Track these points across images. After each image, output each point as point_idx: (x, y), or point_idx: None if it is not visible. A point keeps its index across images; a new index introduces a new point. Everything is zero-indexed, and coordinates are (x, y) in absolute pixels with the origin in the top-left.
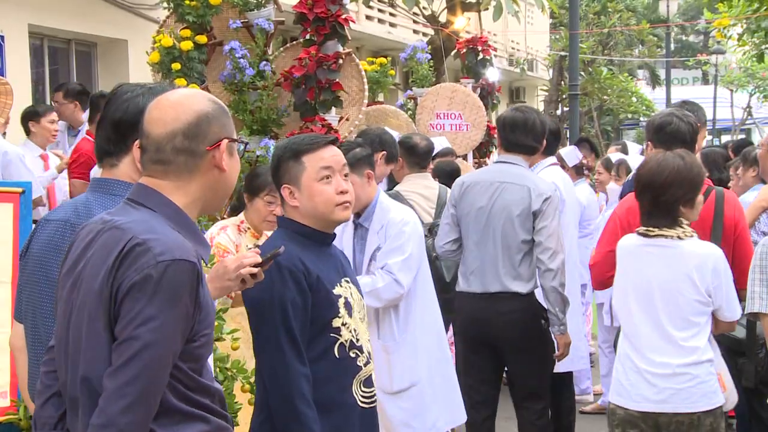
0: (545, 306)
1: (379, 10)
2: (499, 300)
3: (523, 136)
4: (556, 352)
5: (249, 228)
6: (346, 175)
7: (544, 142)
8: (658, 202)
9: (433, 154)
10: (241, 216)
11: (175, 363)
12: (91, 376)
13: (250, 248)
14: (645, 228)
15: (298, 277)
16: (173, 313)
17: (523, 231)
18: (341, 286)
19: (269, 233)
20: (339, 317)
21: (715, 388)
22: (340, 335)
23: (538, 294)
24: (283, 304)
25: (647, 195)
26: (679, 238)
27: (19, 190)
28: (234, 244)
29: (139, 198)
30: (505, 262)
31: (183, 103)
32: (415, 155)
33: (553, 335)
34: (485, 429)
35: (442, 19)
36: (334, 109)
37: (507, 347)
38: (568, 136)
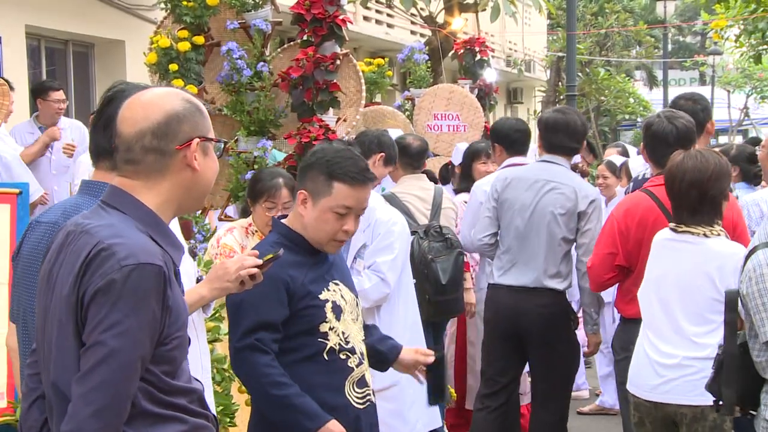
0: (574, 307)
1: (377, 11)
2: (537, 294)
3: (565, 138)
4: (585, 348)
5: (257, 231)
6: (359, 215)
7: (584, 143)
8: (706, 198)
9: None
10: (250, 219)
11: (146, 367)
12: (60, 382)
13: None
14: (675, 224)
15: (278, 285)
16: (139, 318)
17: (567, 230)
18: (328, 290)
19: None
20: (326, 322)
21: None
22: (328, 340)
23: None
24: (255, 311)
25: (693, 192)
26: (705, 235)
27: (16, 191)
28: (240, 246)
29: (110, 200)
30: (548, 259)
31: (154, 102)
32: (408, 156)
33: (585, 334)
34: (497, 414)
35: (440, 20)
36: (331, 109)
37: (536, 341)
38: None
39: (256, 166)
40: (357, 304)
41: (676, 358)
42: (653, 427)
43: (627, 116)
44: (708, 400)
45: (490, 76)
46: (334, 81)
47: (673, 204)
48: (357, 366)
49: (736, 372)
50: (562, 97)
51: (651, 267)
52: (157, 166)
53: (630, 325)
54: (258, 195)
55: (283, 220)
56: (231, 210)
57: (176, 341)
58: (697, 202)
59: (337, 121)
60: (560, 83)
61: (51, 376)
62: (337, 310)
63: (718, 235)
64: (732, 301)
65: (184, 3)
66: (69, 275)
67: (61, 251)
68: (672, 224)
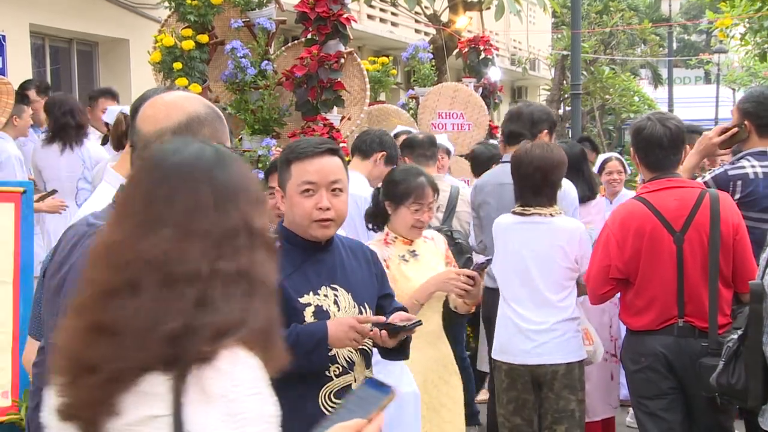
0: None
1: (381, 10)
2: None
3: (513, 125)
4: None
5: (397, 237)
6: (336, 190)
7: (540, 128)
8: (547, 182)
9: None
10: (385, 230)
11: None
12: None
13: (402, 256)
14: (522, 207)
15: None
16: None
17: None
18: (316, 293)
19: (418, 240)
20: None
21: (581, 343)
22: None
23: None
24: None
25: (537, 176)
26: (551, 215)
27: (21, 189)
28: (383, 261)
29: None
30: None
31: (177, 103)
32: (418, 146)
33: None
34: None
35: (444, 18)
36: (335, 108)
37: None
38: (570, 135)
39: (260, 165)
40: (361, 312)
41: (546, 324)
42: (523, 389)
43: (632, 115)
44: (575, 357)
45: (494, 74)
46: (339, 79)
47: (518, 186)
48: (339, 376)
49: (761, 364)
50: (566, 95)
51: (501, 247)
52: None
53: (637, 337)
54: (403, 197)
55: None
56: None
57: None
58: (540, 185)
59: (341, 120)
60: (565, 82)
61: None
62: (321, 316)
63: (560, 213)
64: (756, 292)
65: (188, 2)
66: None
67: (72, 251)
68: (518, 207)
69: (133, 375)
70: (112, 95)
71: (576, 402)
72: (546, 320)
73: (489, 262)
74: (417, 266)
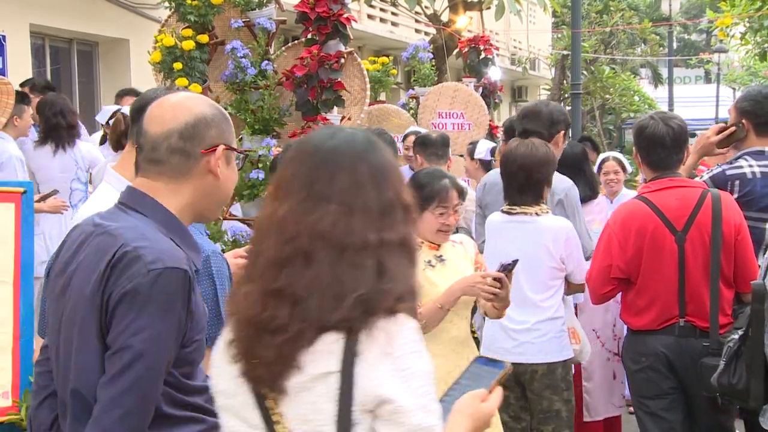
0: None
1: (381, 10)
2: None
3: (531, 124)
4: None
5: (423, 242)
6: None
7: (558, 129)
8: (531, 180)
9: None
10: None
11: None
12: (82, 388)
13: (428, 261)
14: (509, 206)
15: None
16: (166, 322)
17: None
18: None
19: (446, 244)
20: None
21: (565, 343)
22: None
23: None
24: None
25: (521, 174)
26: (537, 214)
27: (21, 189)
28: None
29: (130, 202)
30: None
31: (184, 104)
32: (431, 145)
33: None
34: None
35: (444, 18)
36: (336, 108)
37: None
38: (570, 134)
39: (260, 165)
40: None
41: (527, 324)
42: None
43: (632, 114)
44: (556, 357)
45: (494, 74)
46: (339, 79)
47: (504, 184)
48: None
49: (762, 364)
50: (567, 95)
51: (492, 245)
52: (181, 168)
53: (638, 336)
54: (428, 201)
55: None
56: (236, 209)
57: (196, 344)
58: (523, 185)
59: (341, 120)
60: (565, 81)
61: (71, 384)
62: None
63: (547, 212)
64: (758, 292)
65: (189, 2)
66: (91, 276)
67: (79, 251)
68: (505, 207)
69: (312, 335)
70: (136, 95)
71: (562, 402)
72: (527, 320)
73: (515, 263)
74: (444, 271)
